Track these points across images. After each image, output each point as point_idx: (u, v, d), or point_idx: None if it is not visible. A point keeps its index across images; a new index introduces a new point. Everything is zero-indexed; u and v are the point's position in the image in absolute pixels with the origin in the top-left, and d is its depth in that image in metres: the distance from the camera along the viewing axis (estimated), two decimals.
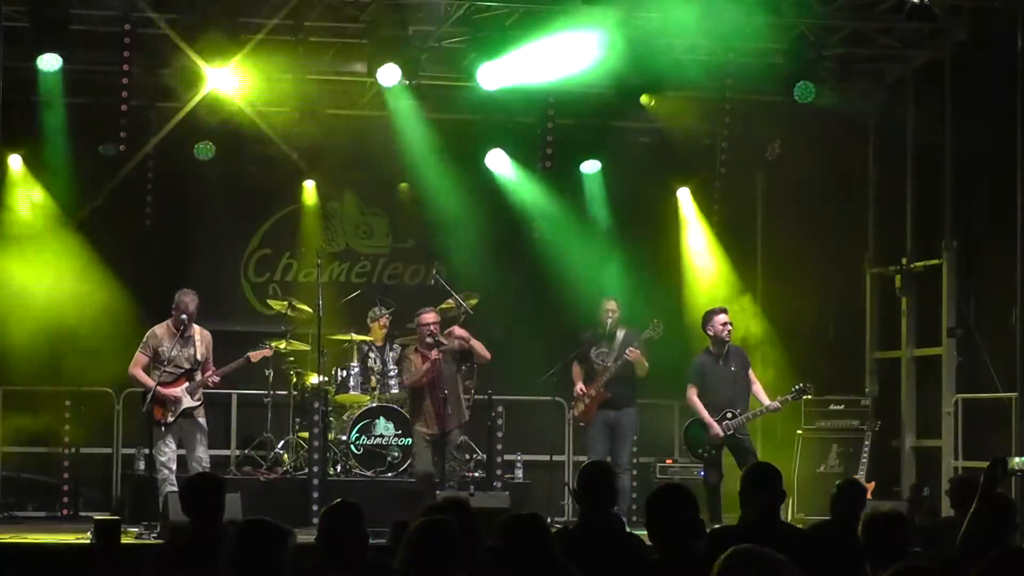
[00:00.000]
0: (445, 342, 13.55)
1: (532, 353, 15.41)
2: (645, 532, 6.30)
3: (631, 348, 13.85)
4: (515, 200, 16.41)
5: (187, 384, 12.93)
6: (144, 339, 13.03)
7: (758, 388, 13.72)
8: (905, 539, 6.56)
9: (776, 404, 13.60)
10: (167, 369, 12.90)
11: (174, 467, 12.81)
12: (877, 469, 14.64)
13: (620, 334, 14.09)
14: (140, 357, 12.99)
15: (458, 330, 13.80)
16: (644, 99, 14.76)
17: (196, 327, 13.08)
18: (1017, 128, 13.54)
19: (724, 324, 13.60)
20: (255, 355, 13.43)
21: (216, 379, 13.08)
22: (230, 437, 15.88)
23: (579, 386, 14.11)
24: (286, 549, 5.86)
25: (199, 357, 13.00)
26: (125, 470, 15.30)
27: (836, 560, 6.92)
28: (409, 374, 13.70)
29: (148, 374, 12.96)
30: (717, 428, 13.41)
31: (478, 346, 13.70)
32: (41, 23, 13.18)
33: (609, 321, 14.07)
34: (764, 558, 4.54)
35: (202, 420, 13.02)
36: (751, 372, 13.78)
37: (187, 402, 12.89)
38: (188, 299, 13.01)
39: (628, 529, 12.57)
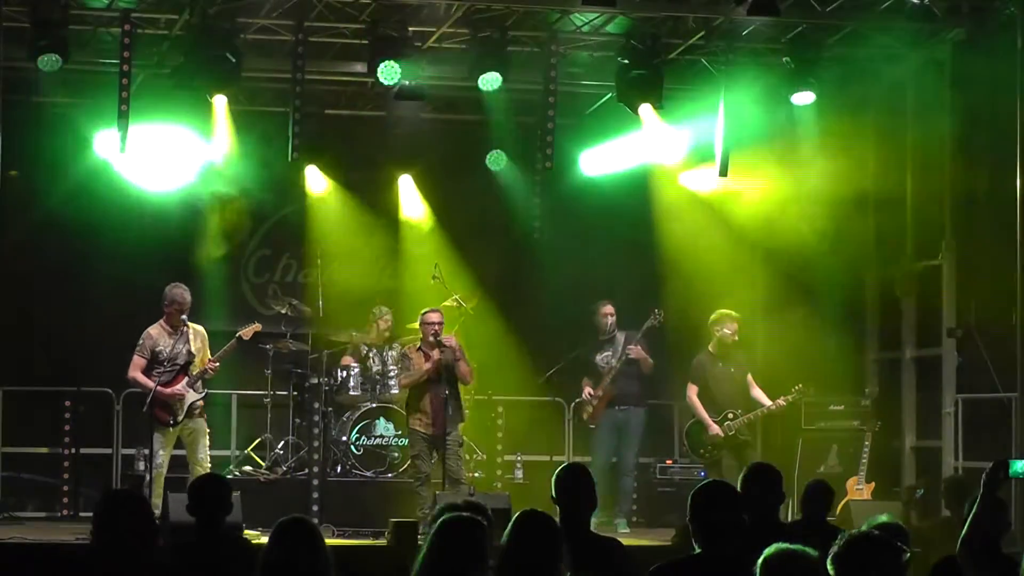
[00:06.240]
0: (447, 344, 13.54)
1: (531, 353, 15.41)
2: (645, 533, 6.29)
3: (631, 346, 13.87)
4: (515, 199, 16.40)
5: (186, 379, 12.89)
6: (140, 341, 12.90)
7: (757, 392, 13.72)
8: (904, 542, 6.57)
9: (775, 404, 13.62)
10: (166, 368, 12.86)
11: (164, 471, 12.76)
12: (877, 469, 14.62)
13: (621, 336, 14.15)
14: (137, 360, 12.84)
15: (452, 340, 13.72)
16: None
17: (188, 323, 12.99)
18: (1017, 128, 13.51)
19: (733, 332, 13.67)
20: (245, 332, 13.37)
21: (215, 366, 13.01)
22: (230, 437, 15.86)
23: (587, 390, 14.14)
24: (323, 544, 5.81)
25: (193, 351, 12.92)
26: (125, 470, 15.30)
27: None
28: (407, 373, 13.67)
29: (147, 376, 12.87)
30: (716, 428, 13.43)
31: (463, 366, 13.57)
32: (41, 23, 13.16)
33: (609, 323, 14.08)
34: (804, 560, 4.50)
35: (203, 421, 13.00)
36: (749, 375, 13.79)
37: (191, 396, 12.86)
38: (178, 292, 12.92)
39: (627, 529, 12.74)
